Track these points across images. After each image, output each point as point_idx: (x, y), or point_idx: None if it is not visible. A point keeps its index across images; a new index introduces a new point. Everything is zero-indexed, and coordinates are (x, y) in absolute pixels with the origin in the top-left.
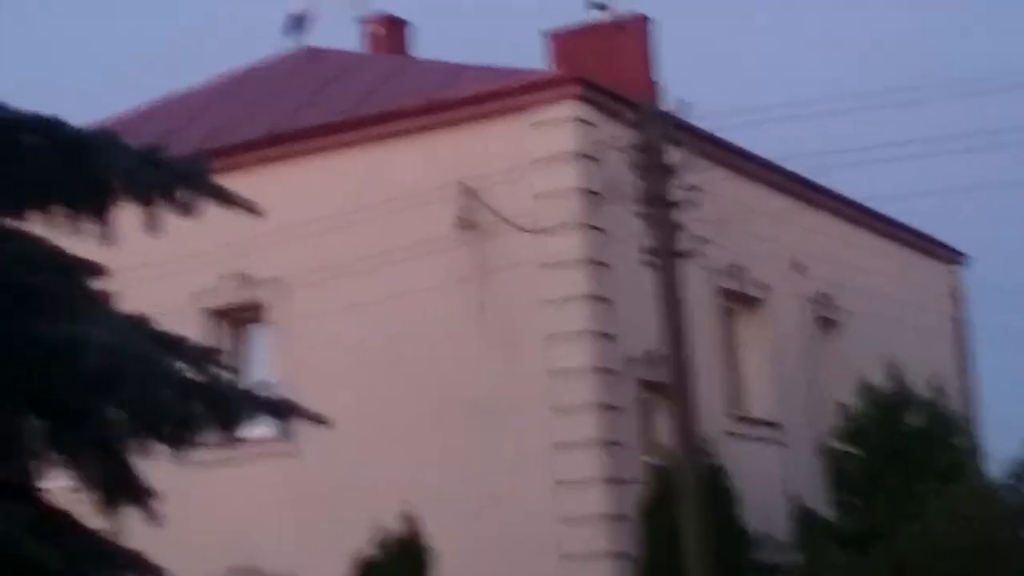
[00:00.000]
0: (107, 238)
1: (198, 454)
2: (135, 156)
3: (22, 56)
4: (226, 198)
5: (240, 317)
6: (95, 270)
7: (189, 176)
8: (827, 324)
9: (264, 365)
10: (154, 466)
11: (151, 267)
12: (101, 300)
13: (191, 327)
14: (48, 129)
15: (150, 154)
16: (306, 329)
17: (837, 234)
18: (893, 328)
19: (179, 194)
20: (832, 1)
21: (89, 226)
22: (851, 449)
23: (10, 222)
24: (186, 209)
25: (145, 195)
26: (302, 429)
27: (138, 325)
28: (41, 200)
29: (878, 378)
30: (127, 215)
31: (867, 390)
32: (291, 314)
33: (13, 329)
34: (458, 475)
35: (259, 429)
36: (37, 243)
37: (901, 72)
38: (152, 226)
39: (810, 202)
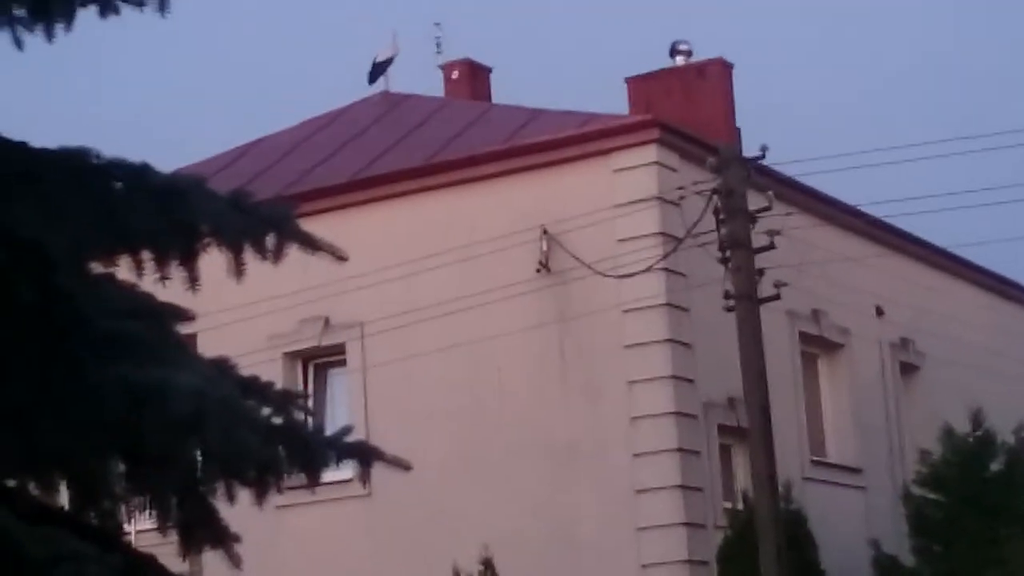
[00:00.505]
0: (194, 284)
1: (278, 497)
2: (223, 202)
3: (111, 102)
4: (313, 244)
5: (321, 361)
6: (182, 315)
7: (276, 221)
8: (908, 369)
9: (343, 409)
10: (234, 509)
11: (232, 311)
12: (187, 345)
13: (272, 371)
14: (137, 175)
15: (238, 200)
16: (386, 373)
17: (919, 279)
18: (975, 373)
19: (267, 240)
20: (917, 47)
21: (176, 271)
22: (932, 495)
23: (100, 268)
24: (273, 255)
25: (233, 241)
26: (381, 472)
27: (222, 370)
28: (130, 246)
29: (960, 423)
30: (208, 259)
31: (948, 435)
32: (371, 358)
33: (102, 374)
34: (537, 519)
35: (339, 472)
36: (126, 289)
37: (984, 117)
38: (238, 272)
39: (892, 247)
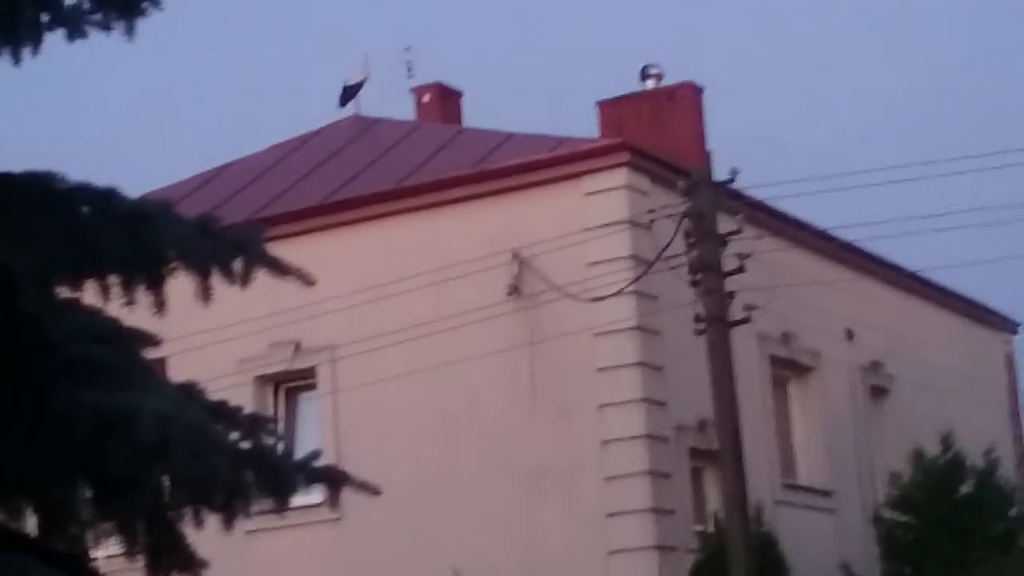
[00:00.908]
0: (160, 308)
1: (247, 522)
2: (190, 226)
3: (74, 126)
4: (280, 268)
5: (291, 385)
6: (148, 340)
7: (244, 246)
8: (879, 392)
9: (314, 433)
10: (202, 534)
11: (202, 334)
12: (154, 370)
13: (242, 395)
14: (104, 199)
15: (205, 224)
16: (356, 397)
17: (889, 303)
18: (945, 397)
19: (234, 264)
20: (887, 71)
21: (143, 296)
22: (902, 517)
23: (67, 292)
24: (241, 279)
25: (201, 265)
26: (351, 496)
27: (190, 394)
28: (97, 270)
29: (930, 446)
30: (176, 283)
31: (919, 458)
32: (342, 382)
33: (68, 399)
34: (509, 543)
35: (308, 496)
36: (93, 314)
37: (954, 141)
38: (205, 296)
39: (862, 270)
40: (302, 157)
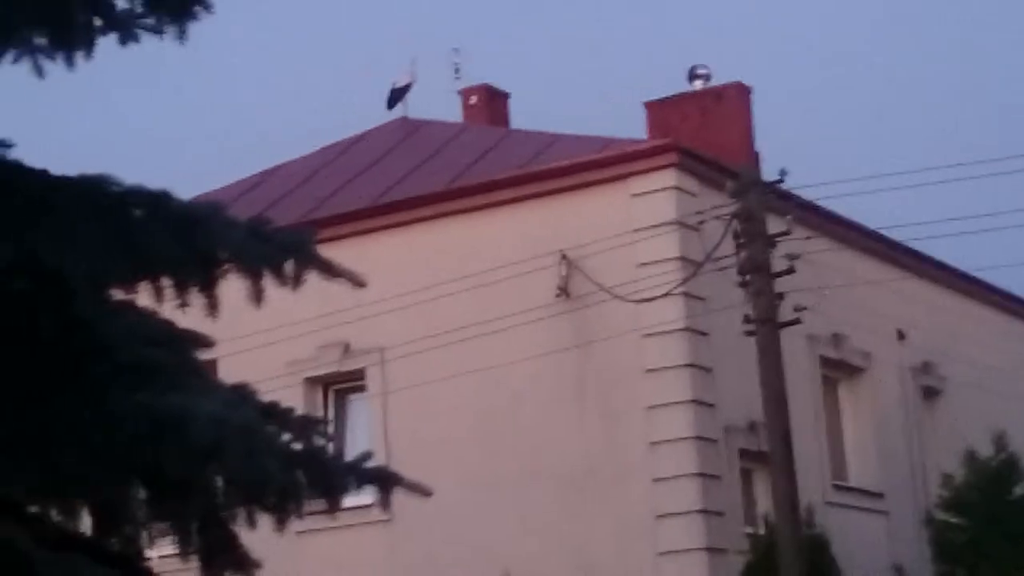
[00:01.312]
0: (213, 310)
1: (298, 522)
2: (242, 228)
3: (127, 130)
4: (331, 270)
5: (340, 386)
6: (202, 342)
7: (295, 248)
8: (930, 393)
9: (363, 435)
10: (254, 535)
11: (252, 337)
12: (207, 371)
13: (291, 396)
14: (156, 202)
15: (257, 226)
16: (405, 399)
17: (940, 303)
18: (997, 397)
19: (286, 266)
20: (940, 70)
21: (196, 298)
22: (955, 519)
23: (121, 296)
24: (293, 281)
25: (252, 267)
26: (400, 498)
27: (243, 396)
28: (150, 273)
29: (982, 447)
30: (225, 285)
31: (971, 459)
32: (391, 384)
33: (123, 401)
34: (557, 545)
35: (358, 498)
36: (147, 316)
37: (1008, 139)
38: (257, 298)
39: (912, 270)
40: (350, 160)
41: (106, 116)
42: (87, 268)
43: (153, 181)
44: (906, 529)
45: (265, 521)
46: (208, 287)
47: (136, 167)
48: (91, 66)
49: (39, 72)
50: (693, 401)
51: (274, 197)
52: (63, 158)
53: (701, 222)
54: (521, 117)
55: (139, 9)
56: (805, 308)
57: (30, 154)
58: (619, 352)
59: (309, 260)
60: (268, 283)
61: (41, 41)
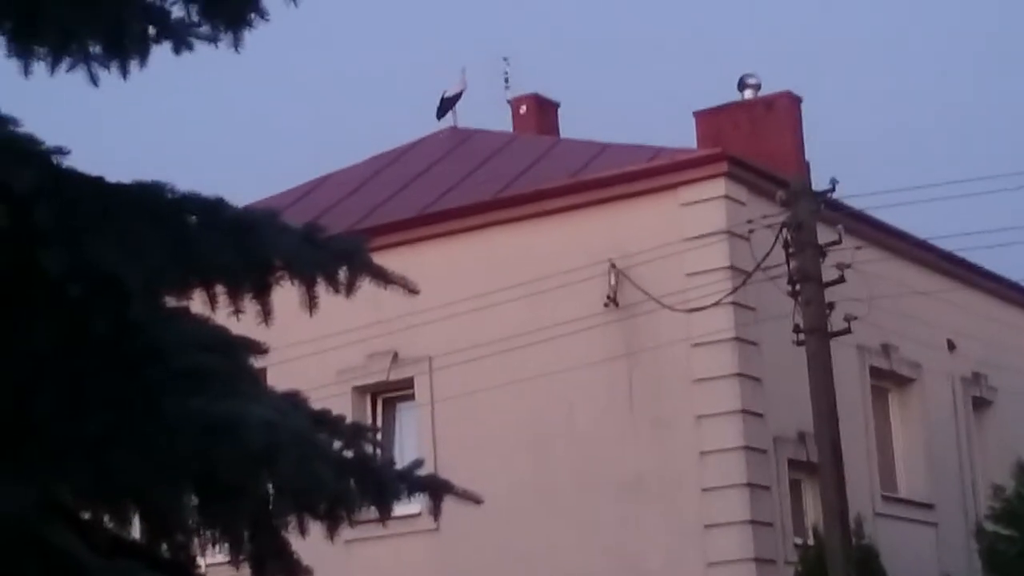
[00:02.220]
0: (267, 317)
1: (348, 531)
2: (296, 235)
3: (176, 137)
4: (385, 277)
5: (389, 395)
6: (255, 349)
7: (348, 255)
8: (981, 404)
9: (412, 443)
10: (304, 542)
11: (300, 345)
12: (260, 378)
13: (341, 405)
14: (211, 209)
15: (310, 233)
16: (454, 408)
17: (990, 313)
18: None
19: (339, 273)
20: (991, 78)
21: (249, 304)
22: (1005, 530)
23: (176, 302)
24: (345, 288)
25: (306, 274)
26: (450, 507)
27: (295, 403)
28: (204, 279)
29: None
30: (276, 294)
31: (1021, 470)
32: (439, 392)
33: (176, 407)
34: (607, 555)
35: (407, 506)
36: (201, 323)
37: None
38: (311, 305)
39: (963, 280)
40: (401, 169)
41: (154, 125)
42: (143, 274)
43: (208, 190)
44: (956, 540)
45: (315, 529)
46: (262, 294)
47: (190, 176)
48: (144, 73)
49: (94, 80)
50: (742, 411)
51: (325, 206)
52: (118, 166)
53: (751, 231)
54: (571, 126)
55: (194, 17)
56: (855, 318)
57: (85, 161)
58: (668, 362)
59: (363, 267)
60: (321, 290)
61: (96, 49)
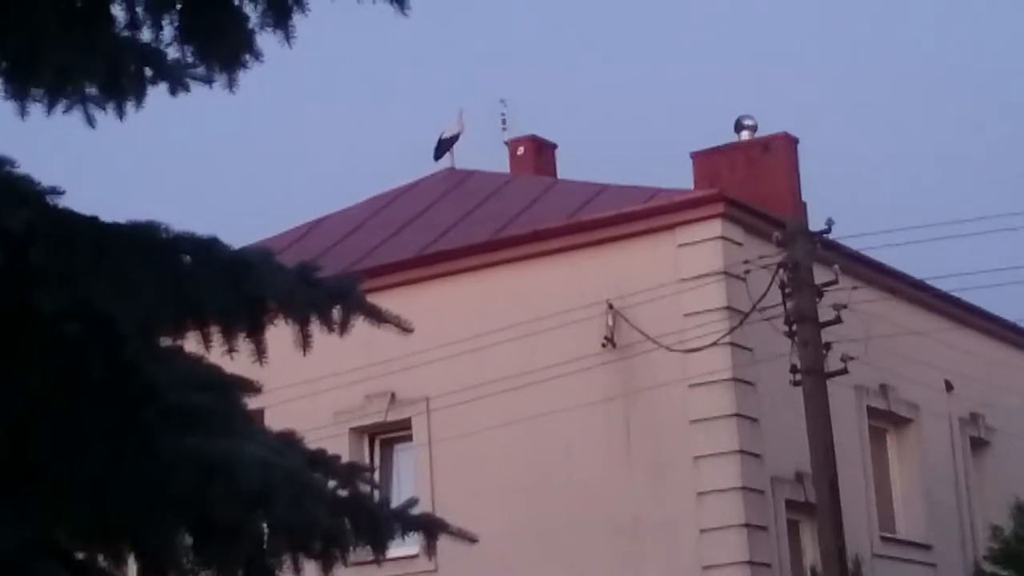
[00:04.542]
0: (261, 356)
1: (343, 570)
2: (290, 275)
3: (170, 179)
4: (378, 316)
5: (387, 436)
6: (249, 387)
7: (342, 294)
8: (979, 444)
9: (409, 484)
10: None
11: (298, 386)
12: (254, 418)
13: (338, 446)
14: (205, 248)
15: (305, 273)
16: (451, 449)
17: (988, 353)
18: None
19: (333, 312)
20: (987, 119)
21: (243, 344)
22: (1004, 571)
23: (171, 341)
24: (340, 327)
25: (300, 313)
26: (447, 547)
27: (289, 442)
28: (198, 319)
29: None
30: (274, 336)
31: (1020, 511)
32: (437, 434)
33: (172, 446)
34: None
35: (404, 547)
36: (195, 361)
37: None
38: (305, 344)
39: (960, 321)
40: (397, 210)
41: (149, 165)
42: (137, 314)
43: (202, 230)
44: None
45: (311, 568)
46: (256, 333)
47: (182, 217)
48: (141, 114)
49: (90, 121)
50: (740, 451)
51: (321, 248)
52: (112, 205)
53: (747, 272)
54: (568, 167)
55: (189, 59)
56: (852, 358)
57: (80, 201)
58: (666, 402)
59: (356, 306)
60: (315, 330)
61: (92, 90)
